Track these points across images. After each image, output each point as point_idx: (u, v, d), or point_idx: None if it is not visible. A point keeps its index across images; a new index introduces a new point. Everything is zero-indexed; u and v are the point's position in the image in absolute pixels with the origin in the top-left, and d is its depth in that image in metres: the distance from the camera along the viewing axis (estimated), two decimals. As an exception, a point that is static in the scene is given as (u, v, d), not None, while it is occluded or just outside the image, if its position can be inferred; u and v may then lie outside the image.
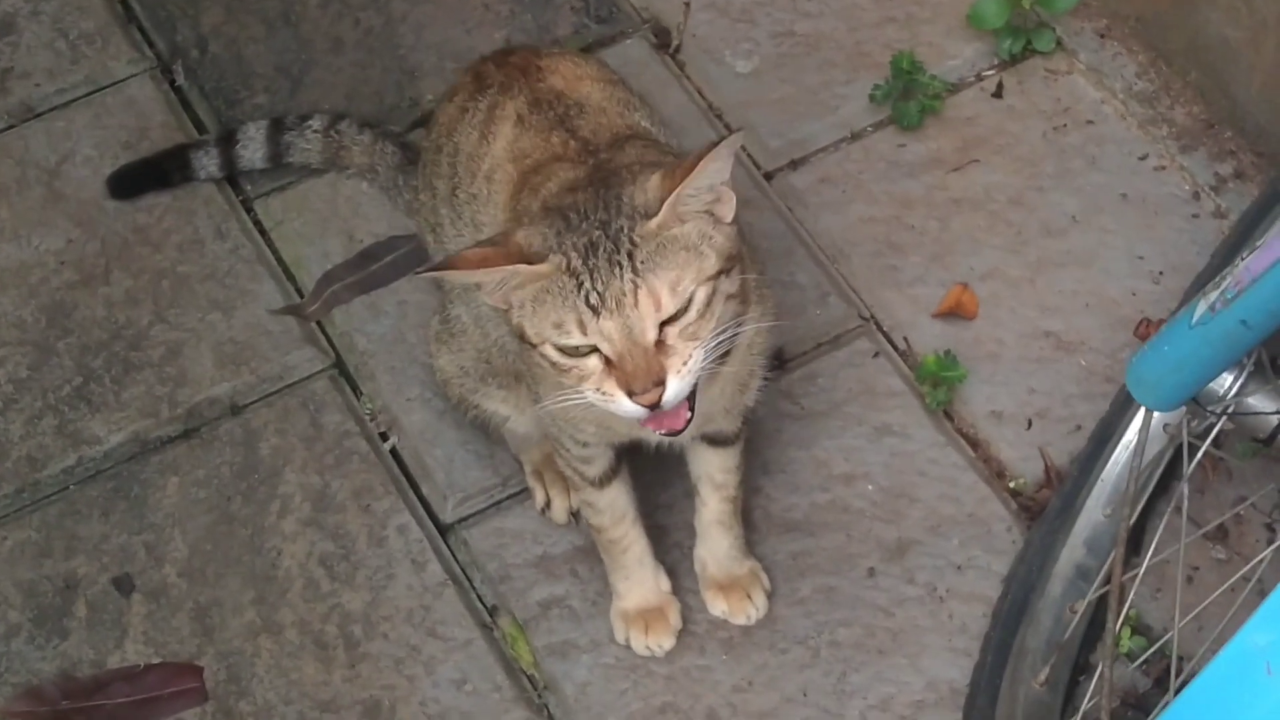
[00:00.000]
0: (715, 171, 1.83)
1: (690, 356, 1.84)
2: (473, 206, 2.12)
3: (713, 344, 1.85)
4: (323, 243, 2.67)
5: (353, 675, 2.29)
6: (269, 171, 2.73)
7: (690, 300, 1.83)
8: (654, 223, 1.82)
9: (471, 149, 2.12)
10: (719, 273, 1.85)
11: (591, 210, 1.84)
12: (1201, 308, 1.80)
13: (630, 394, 1.83)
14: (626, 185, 1.86)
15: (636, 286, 1.80)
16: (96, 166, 2.75)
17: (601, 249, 1.81)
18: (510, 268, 1.82)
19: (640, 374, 1.82)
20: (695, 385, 1.86)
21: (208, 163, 2.71)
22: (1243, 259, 1.75)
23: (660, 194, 1.82)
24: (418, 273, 1.82)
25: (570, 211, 1.85)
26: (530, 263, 1.82)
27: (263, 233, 2.70)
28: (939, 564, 2.33)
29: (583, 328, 1.82)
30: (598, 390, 1.85)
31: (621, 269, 1.80)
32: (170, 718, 2.27)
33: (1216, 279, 1.79)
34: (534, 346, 1.87)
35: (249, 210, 2.72)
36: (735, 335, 1.91)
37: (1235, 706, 1.53)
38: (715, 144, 1.81)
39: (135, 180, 2.72)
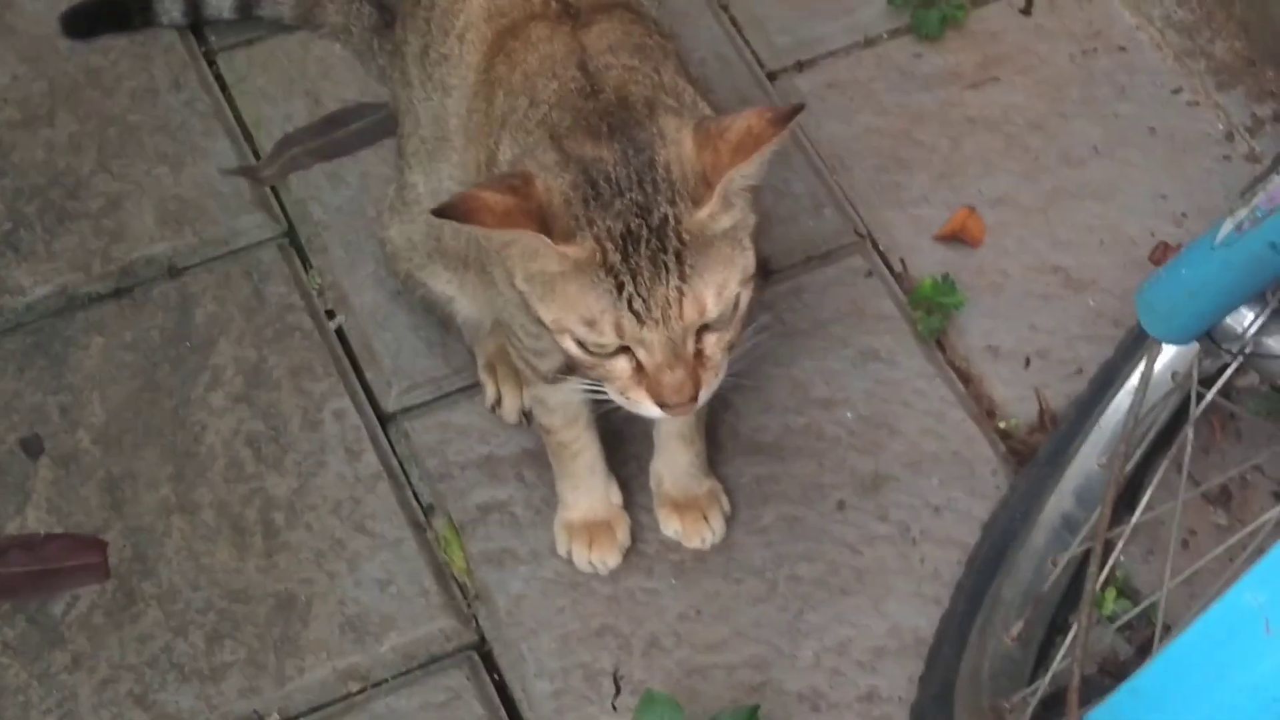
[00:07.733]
0: (776, 150, 1.63)
1: (722, 365, 1.69)
2: (443, 68, 1.96)
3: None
4: (287, 104, 2.51)
5: (269, 565, 2.13)
6: (237, 24, 2.57)
7: (735, 304, 1.66)
8: (704, 213, 1.62)
9: (447, 4, 1.96)
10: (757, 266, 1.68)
11: (625, 184, 1.63)
12: (1227, 226, 1.63)
13: (662, 405, 1.67)
14: (656, 145, 1.64)
15: (683, 295, 1.62)
16: (53, 1, 2.58)
17: (644, 244, 1.61)
18: (534, 236, 1.61)
19: (677, 388, 1.66)
20: None
21: (172, 7, 2.55)
22: (1278, 174, 1.57)
23: (699, 167, 1.63)
24: (433, 211, 1.62)
25: (599, 177, 1.64)
26: (555, 236, 1.61)
27: (223, 88, 2.54)
28: (915, 503, 2.18)
29: (620, 332, 1.64)
30: (622, 394, 1.69)
31: (668, 273, 1.61)
32: (67, 592, 2.14)
33: (1245, 194, 1.61)
34: (546, 328, 1.69)
35: (211, 63, 2.56)
36: None
37: (1230, 664, 1.43)
38: (778, 119, 1.60)
39: (92, 19, 2.56)
